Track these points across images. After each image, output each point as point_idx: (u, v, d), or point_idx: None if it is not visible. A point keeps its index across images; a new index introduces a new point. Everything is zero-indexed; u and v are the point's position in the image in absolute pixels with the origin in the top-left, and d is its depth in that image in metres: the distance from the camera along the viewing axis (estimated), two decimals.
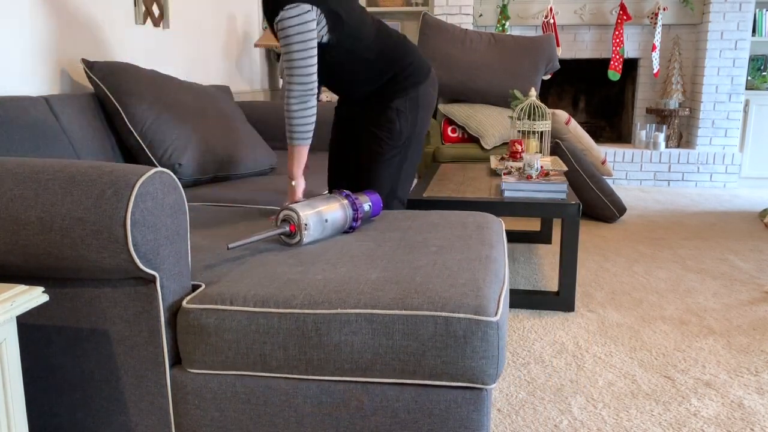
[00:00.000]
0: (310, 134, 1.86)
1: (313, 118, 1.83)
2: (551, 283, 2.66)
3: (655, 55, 4.91)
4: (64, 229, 1.11)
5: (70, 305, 1.23)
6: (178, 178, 2.26)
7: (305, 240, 1.50)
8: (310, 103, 1.81)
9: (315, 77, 1.81)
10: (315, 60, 1.80)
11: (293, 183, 1.91)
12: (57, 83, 2.29)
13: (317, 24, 1.81)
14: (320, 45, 1.88)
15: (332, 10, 1.82)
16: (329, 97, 4.51)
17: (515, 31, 5.13)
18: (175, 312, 1.23)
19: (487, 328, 1.12)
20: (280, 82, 4.74)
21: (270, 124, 3.51)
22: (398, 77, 2.00)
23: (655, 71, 4.96)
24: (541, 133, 3.14)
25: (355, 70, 1.98)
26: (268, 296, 1.20)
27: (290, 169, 1.89)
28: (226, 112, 2.71)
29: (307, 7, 1.76)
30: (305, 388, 1.20)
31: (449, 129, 3.94)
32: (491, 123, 3.83)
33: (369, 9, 5.07)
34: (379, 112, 2.04)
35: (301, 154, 1.86)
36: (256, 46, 3.99)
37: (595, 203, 3.65)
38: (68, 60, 2.34)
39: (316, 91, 1.82)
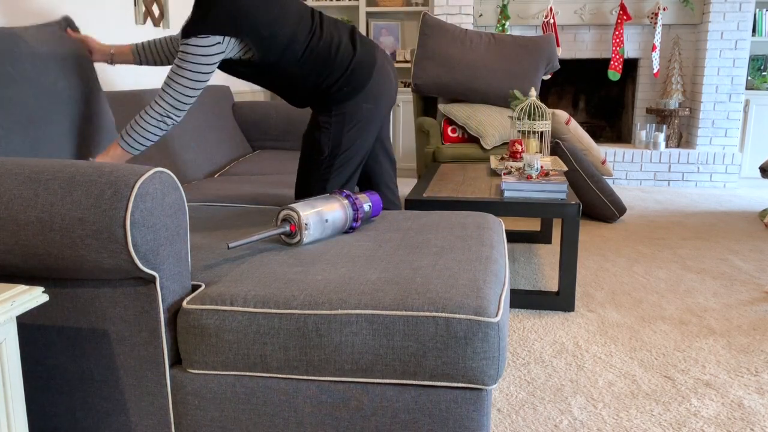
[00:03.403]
0: (140, 149, 1.76)
1: (154, 140, 1.75)
2: (551, 283, 2.66)
3: (655, 55, 4.91)
4: (64, 229, 1.11)
5: (70, 305, 1.23)
6: None
7: (305, 240, 1.50)
8: (164, 125, 1.74)
9: (187, 108, 1.76)
10: (197, 93, 1.76)
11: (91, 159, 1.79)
12: None
13: (230, 49, 1.78)
14: (244, 60, 1.84)
15: (249, 37, 1.76)
16: None
17: (515, 31, 5.13)
18: (175, 312, 1.23)
19: (488, 328, 1.12)
20: None
21: (270, 124, 3.51)
22: (324, 93, 1.96)
23: (655, 71, 4.96)
24: (541, 133, 3.14)
25: (284, 84, 1.95)
26: (268, 297, 1.20)
27: (101, 157, 1.74)
28: None
29: (218, 38, 1.72)
30: (305, 388, 1.20)
31: (449, 129, 3.94)
32: (491, 123, 3.83)
33: (369, 9, 5.06)
34: (310, 124, 2.04)
35: (121, 159, 1.75)
36: None
37: (595, 203, 3.65)
38: None
39: (178, 119, 1.76)
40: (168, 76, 1.74)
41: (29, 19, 2.13)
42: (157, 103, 1.72)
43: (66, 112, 1.77)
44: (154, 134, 1.74)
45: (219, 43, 1.72)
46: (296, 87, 1.95)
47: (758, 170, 2.61)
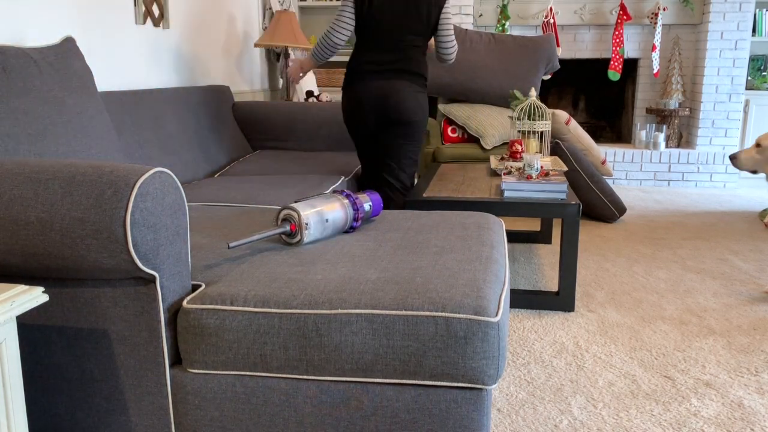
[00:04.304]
0: (320, 60, 2.67)
1: (327, 55, 2.65)
2: (551, 283, 2.66)
3: (655, 55, 4.91)
4: (64, 229, 1.11)
5: (70, 305, 1.23)
6: None
7: (306, 239, 1.50)
8: (330, 49, 2.64)
9: (339, 38, 2.61)
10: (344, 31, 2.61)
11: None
12: None
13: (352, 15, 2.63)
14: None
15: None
16: (329, 97, 4.51)
17: (515, 31, 5.13)
18: (175, 312, 1.23)
19: (488, 328, 1.12)
20: (280, 82, 4.74)
21: (270, 124, 3.51)
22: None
23: (655, 71, 4.96)
24: (541, 133, 3.14)
25: None
26: (268, 296, 1.20)
27: (302, 60, 2.76)
28: None
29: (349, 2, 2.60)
30: (305, 388, 1.20)
31: (449, 129, 3.94)
32: (491, 123, 3.83)
33: None
34: None
35: (310, 64, 2.74)
36: (256, 46, 3.99)
37: (595, 203, 3.65)
38: None
39: (339, 43, 2.62)
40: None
41: (36, 29, 2.13)
42: (322, 36, 2.61)
43: (71, 126, 1.77)
44: (322, 52, 2.64)
45: (350, 6, 2.59)
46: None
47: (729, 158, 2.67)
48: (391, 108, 2.60)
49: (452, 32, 2.66)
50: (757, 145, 2.54)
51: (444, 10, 2.60)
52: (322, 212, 1.52)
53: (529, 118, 3.00)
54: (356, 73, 2.64)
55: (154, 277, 1.17)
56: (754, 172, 2.57)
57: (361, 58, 2.63)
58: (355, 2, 2.59)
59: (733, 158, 2.58)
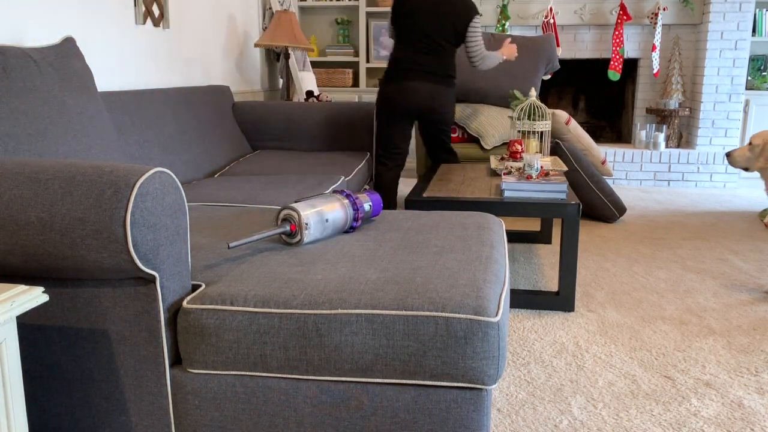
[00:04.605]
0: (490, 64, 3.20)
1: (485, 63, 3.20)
2: (551, 283, 2.66)
3: (655, 55, 4.91)
4: (64, 229, 1.11)
5: (70, 305, 1.23)
6: None
7: (306, 239, 1.50)
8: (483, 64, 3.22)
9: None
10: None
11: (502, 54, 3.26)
12: None
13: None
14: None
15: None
16: (329, 97, 4.51)
17: (515, 31, 5.13)
18: (175, 312, 1.23)
19: (488, 328, 1.12)
20: (280, 81, 4.74)
21: (270, 124, 3.52)
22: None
23: (655, 71, 4.96)
24: (541, 133, 3.14)
25: None
26: (268, 296, 1.20)
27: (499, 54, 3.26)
28: None
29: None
30: (305, 388, 1.20)
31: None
32: (491, 123, 3.83)
33: (369, 9, 5.07)
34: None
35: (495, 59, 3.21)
36: (256, 46, 3.99)
37: (595, 203, 3.65)
38: None
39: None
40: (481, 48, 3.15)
41: (36, 29, 2.13)
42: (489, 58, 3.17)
43: (70, 126, 1.77)
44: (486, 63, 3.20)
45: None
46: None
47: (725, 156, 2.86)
48: (424, 105, 3.13)
49: (477, 44, 3.14)
50: (750, 143, 2.68)
51: (471, 24, 3.10)
52: (322, 212, 1.52)
53: (529, 118, 3.00)
54: (396, 71, 3.13)
55: (154, 277, 1.17)
56: (746, 169, 2.71)
57: (399, 58, 3.14)
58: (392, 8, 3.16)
59: (728, 155, 2.73)
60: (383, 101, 3.19)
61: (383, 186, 3.31)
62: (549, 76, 4.98)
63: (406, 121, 3.21)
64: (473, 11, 3.10)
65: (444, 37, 3.07)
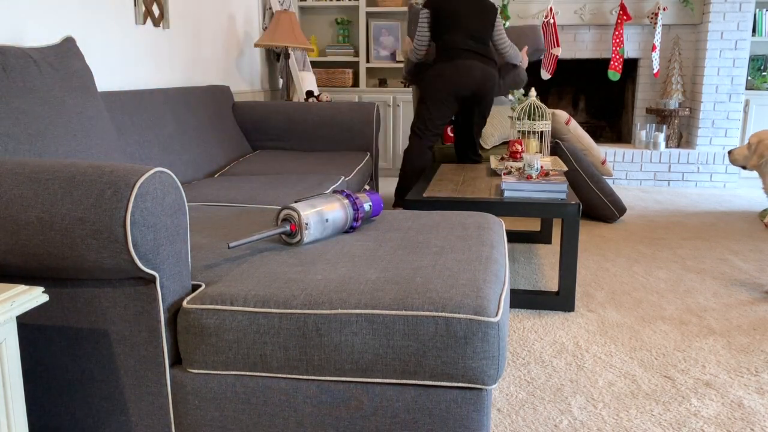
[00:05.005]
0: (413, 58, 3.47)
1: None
2: (551, 283, 2.66)
3: (655, 55, 4.91)
4: (64, 229, 1.11)
5: (70, 305, 1.23)
6: None
7: (306, 239, 1.50)
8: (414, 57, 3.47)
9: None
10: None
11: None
12: None
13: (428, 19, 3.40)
14: None
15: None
16: (329, 97, 4.51)
17: None
18: (175, 312, 1.23)
19: (488, 328, 1.12)
20: (280, 81, 4.74)
21: (270, 124, 3.52)
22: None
23: (655, 71, 4.96)
24: (541, 133, 3.14)
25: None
26: (268, 296, 1.20)
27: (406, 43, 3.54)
28: None
29: (425, 10, 3.35)
30: (305, 388, 1.20)
31: (449, 129, 3.93)
32: (491, 122, 3.83)
33: (369, 9, 5.07)
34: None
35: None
36: (256, 46, 3.99)
37: (595, 203, 3.65)
38: None
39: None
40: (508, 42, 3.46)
41: (36, 29, 2.13)
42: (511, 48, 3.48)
43: (70, 126, 1.77)
44: (412, 58, 3.53)
45: (425, 12, 3.36)
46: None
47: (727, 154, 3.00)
48: (476, 85, 3.32)
49: (504, 34, 3.44)
50: (749, 143, 2.78)
51: (498, 19, 3.39)
52: (322, 212, 1.52)
53: (529, 118, 3.00)
54: (446, 51, 3.32)
55: (154, 277, 1.17)
56: (744, 167, 2.82)
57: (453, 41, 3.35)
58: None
59: (729, 153, 2.83)
60: (434, 78, 3.30)
61: (408, 157, 3.41)
62: (549, 76, 4.98)
63: (454, 102, 3.34)
64: (496, 7, 3.42)
65: (486, 30, 3.34)
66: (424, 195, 2.40)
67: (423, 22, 3.34)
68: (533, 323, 2.25)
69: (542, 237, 3.29)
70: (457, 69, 3.26)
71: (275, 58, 4.77)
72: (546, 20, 4.87)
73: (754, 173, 4.96)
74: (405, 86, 5.18)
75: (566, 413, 1.66)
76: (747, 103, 4.89)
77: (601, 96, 5.53)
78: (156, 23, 2.94)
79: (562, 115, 3.71)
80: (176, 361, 1.25)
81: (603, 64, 5.26)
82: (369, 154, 3.43)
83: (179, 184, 1.22)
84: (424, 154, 3.41)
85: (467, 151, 3.53)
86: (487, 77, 3.29)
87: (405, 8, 5.06)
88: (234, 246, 1.35)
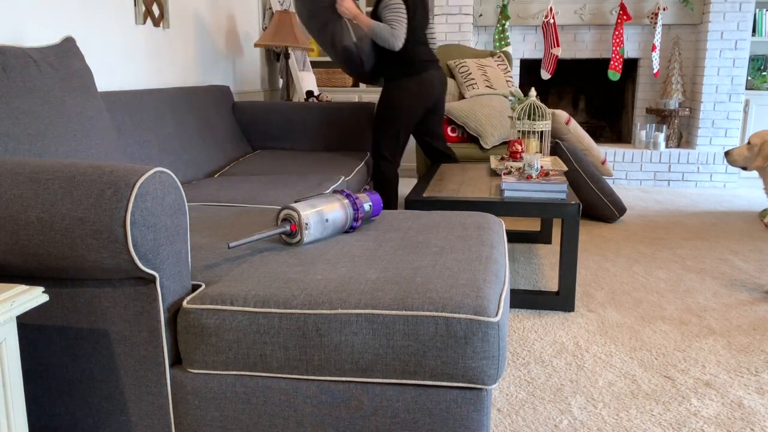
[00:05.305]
0: (375, 36, 2.96)
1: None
2: (551, 283, 2.66)
3: (655, 55, 4.91)
4: (64, 229, 1.11)
5: (70, 305, 1.23)
6: None
7: (306, 239, 1.50)
8: (391, 43, 2.96)
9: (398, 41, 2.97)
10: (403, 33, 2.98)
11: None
12: None
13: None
14: None
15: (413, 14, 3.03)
16: (329, 97, 4.51)
17: (515, 31, 5.13)
18: (175, 312, 1.23)
19: (488, 328, 1.12)
20: (280, 81, 4.74)
21: (270, 124, 3.51)
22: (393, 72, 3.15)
23: (655, 71, 4.96)
24: (541, 133, 3.14)
25: (383, 54, 3.18)
26: (268, 296, 1.20)
27: (360, 16, 2.98)
28: None
29: (402, 4, 2.95)
30: (305, 388, 1.20)
31: (449, 129, 3.93)
32: (491, 122, 3.83)
33: (368, 9, 5.07)
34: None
35: (365, 21, 2.96)
36: (256, 46, 3.99)
37: (595, 203, 3.65)
38: None
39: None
40: (393, 21, 2.92)
41: (36, 29, 2.13)
42: (391, 32, 2.93)
43: (70, 126, 1.77)
44: (383, 41, 2.96)
45: (403, 7, 2.94)
46: (388, 58, 3.09)
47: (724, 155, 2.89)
48: (440, 94, 3.22)
49: (389, 18, 3.09)
50: (749, 143, 2.69)
51: None
52: (322, 212, 1.52)
53: (529, 118, 3.00)
54: (417, 63, 3.10)
55: (154, 277, 1.17)
56: (744, 168, 2.73)
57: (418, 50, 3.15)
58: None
59: (727, 154, 2.75)
60: (413, 97, 3.09)
61: (390, 185, 3.23)
62: (549, 76, 4.98)
63: (421, 115, 3.19)
64: None
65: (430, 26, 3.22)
66: (424, 195, 2.40)
67: (402, 8, 2.96)
68: (533, 323, 2.25)
69: (542, 237, 3.29)
70: (432, 83, 3.12)
71: (275, 58, 4.76)
72: (546, 20, 4.87)
73: (754, 173, 4.96)
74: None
75: (566, 413, 1.66)
76: (747, 103, 4.89)
77: (601, 96, 5.53)
78: (156, 23, 2.94)
79: (562, 115, 3.71)
80: (176, 361, 1.25)
81: (603, 64, 5.26)
82: (368, 154, 3.43)
83: (179, 184, 1.22)
84: (397, 175, 3.25)
85: (438, 151, 3.38)
86: (444, 83, 3.21)
87: None
88: (234, 246, 1.35)
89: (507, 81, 4.22)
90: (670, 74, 5.01)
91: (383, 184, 3.21)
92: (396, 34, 2.92)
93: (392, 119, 3.11)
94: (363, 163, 3.14)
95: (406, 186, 4.80)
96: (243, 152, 3.38)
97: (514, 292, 2.38)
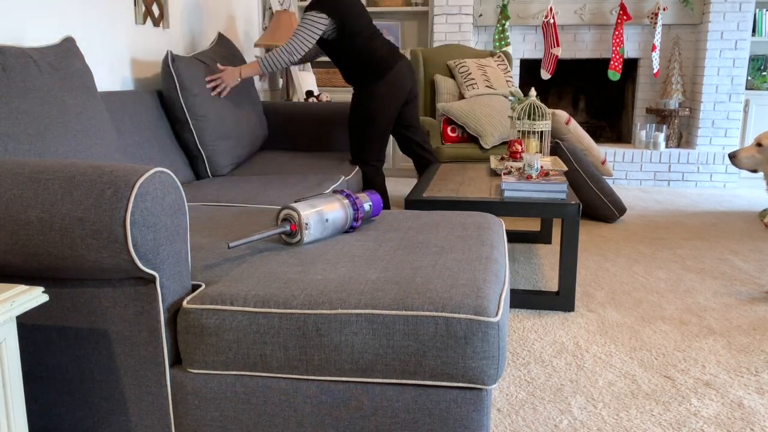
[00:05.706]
0: (269, 70, 2.84)
1: (280, 67, 2.84)
2: (551, 283, 2.66)
3: (655, 55, 4.91)
4: (64, 229, 1.11)
5: (70, 305, 1.23)
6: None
7: (306, 239, 1.50)
8: (285, 61, 2.83)
9: (298, 56, 2.83)
10: (306, 48, 2.81)
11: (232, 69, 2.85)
12: None
13: (329, 27, 2.85)
14: (329, 40, 2.92)
15: (342, 21, 2.84)
16: (329, 97, 4.51)
17: (515, 31, 5.13)
18: (175, 312, 1.23)
19: (488, 328, 1.12)
20: (280, 81, 4.74)
21: (270, 124, 3.51)
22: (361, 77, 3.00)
23: (655, 71, 4.96)
24: (541, 133, 3.14)
25: (343, 63, 3.01)
26: (268, 296, 1.20)
27: (244, 68, 2.85)
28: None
29: (325, 16, 2.80)
30: (305, 388, 1.20)
31: (449, 129, 3.93)
32: (491, 122, 3.83)
33: (369, 9, 5.07)
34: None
35: (253, 71, 2.86)
36: (256, 46, 3.99)
37: (595, 203, 3.65)
38: None
39: (295, 60, 2.84)
40: (295, 33, 2.81)
41: (36, 29, 2.13)
42: (284, 48, 2.80)
43: (70, 126, 1.77)
44: (281, 64, 2.83)
45: (325, 19, 2.80)
46: (349, 66, 2.99)
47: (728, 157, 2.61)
48: (411, 84, 3.12)
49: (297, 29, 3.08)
50: (758, 144, 2.49)
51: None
52: (322, 212, 1.52)
53: (529, 118, 3.00)
54: (382, 61, 2.99)
55: (154, 277, 1.17)
56: (754, 171, 2.52)
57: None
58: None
59: (732, 157, 2.52)
60: (384, 102, 2.98)
61: (380, 188, 3.17)
62: (549, 76, 4.98)
63: (396, 114, 3.08)
64: None
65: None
66: (424, 195, 2.40)
67: (318, 24, 2.81)
68: (533, 323, 2.25)
69: (542, 237, 3.29)
70: (403, 77, 3.01)
71: None
72: (546, 20, 4.87)
73: (755, 174, 4.96)
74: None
75: (566, 413, 1.66)
76: (747, 103, 4.89)
77: (601, 96, 5.53)
78: (156, 23, 2.94)
79: (562, 115, 3.71)
80: (176, 361, 1.25)
81: (603, 64, 5.26)
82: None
83: (179, 184, 1.22)
84: (383, 174, 3.16)
85: (421, 150, 3.29)
86: (413, 71, 3.10)
87: (405, 8, 5.07)
88: (234, 246, 1.35)
89: (507, 81, 4.22)
90: (670, 74, 5.01)
91: (372, 187, 3.15)
92: (288, 49, 2.79)
93: (368, 128, 3.03)
94: None
95: (406, 186, 4.81)
96: None
97: (514, 292, 2.38)
